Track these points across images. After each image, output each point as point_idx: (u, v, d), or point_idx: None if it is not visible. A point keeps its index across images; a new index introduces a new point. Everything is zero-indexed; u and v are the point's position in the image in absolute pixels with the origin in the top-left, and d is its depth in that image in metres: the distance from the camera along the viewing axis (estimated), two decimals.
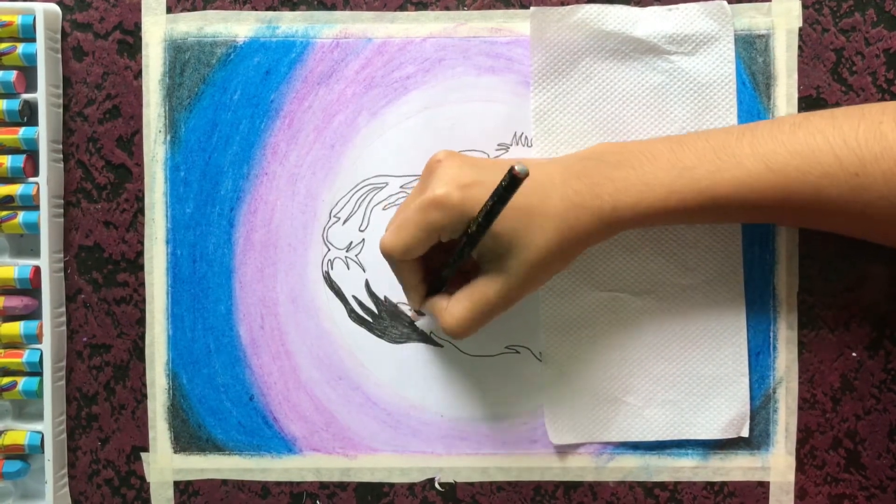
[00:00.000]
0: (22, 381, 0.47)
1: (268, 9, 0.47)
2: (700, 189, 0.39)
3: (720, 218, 0.42)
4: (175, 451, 0.48)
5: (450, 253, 0.41)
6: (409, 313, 0.47)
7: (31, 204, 0.46)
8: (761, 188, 0.39)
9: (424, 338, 0.47)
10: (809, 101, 0.46)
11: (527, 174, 0.33)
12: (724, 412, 0.46)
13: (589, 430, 0.47)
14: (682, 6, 0.46)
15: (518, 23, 0.47)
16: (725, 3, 0.46)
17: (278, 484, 0.48)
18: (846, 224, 0.41)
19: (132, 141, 0.48)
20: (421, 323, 0.47)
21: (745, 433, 0.46)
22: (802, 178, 0.38)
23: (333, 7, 0.47)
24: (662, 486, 0.47)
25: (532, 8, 0.46)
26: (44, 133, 0.46)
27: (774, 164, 0.39)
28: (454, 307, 0.40)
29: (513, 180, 0.34)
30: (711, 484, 0.47)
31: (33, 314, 0.48)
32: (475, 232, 0.38)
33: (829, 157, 0.38)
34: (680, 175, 0.39)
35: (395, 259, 0.40)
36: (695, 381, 0.46)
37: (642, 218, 0.40)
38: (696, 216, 0.41)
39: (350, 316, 0.48)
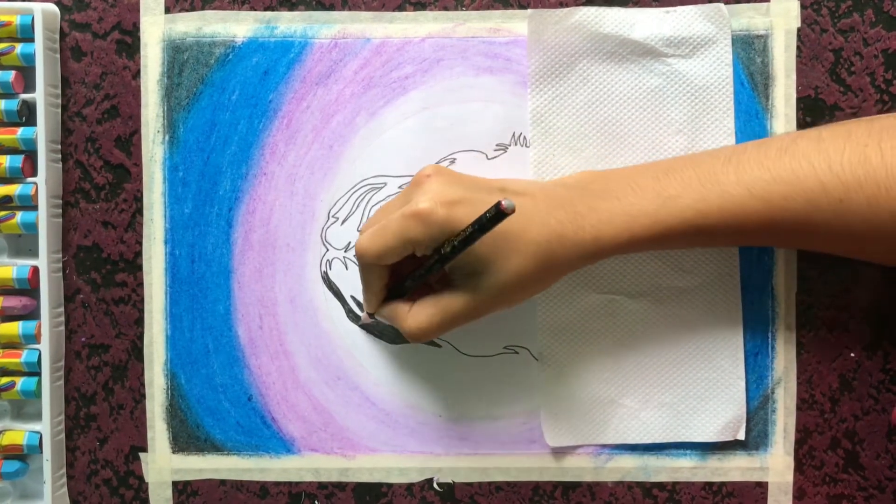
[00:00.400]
0: (20, 381, 0.47)
1: (266, 9, 0.47)
2: (685, 218, 0.39)
3: (705, 244, 0.42)
4: (173, 452, 0.48)
5: (418, 262, 0.40)
6: (361, 314, 0.47)
7: (29, 204, 0.46)
8: (746, 216, 0.39)
9: None
10: (808, 102, 0.46)
11: (513, 210, 0.33)
12: (721, 415, 0.46)
13: (585, 432, 0.47)
14: (679, 9, 0.46)
15: (516, 23, 0.47)
16: (723, 5, 0.46)
17: (277, 484, 0.48)
18: (831, 246, 0.41)
19: (130, 141, 0.48)
20: (365, 323, 0.47)
21: (741, 436, 0.46)
22: (787, 206, 0.39)
23: (332, 7, 0.47)
24: (661, 486, 0.47)
25: (529, 10, 0.46)
26: (42, 133, 0.46)
27: (759, 192, 0.39)
28: (418, 313, 0.40)
29: (498, 214, 0.34)
30: (710, 484, 0.47)
31: (32, 314, 0.48)
32: (448, 253, 0.37)
33: (814, 184, 0.38)
34: (664, 204, 0.39)
35: (367, 262, 0.40)
36: (691, 384, 0.46)
37: (625, 246, 0.40)
38: (681, 243, 0.41)
39: (348, 316, 0.48)
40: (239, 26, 0.47)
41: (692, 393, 0.46)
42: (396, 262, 0.40)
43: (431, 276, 0.40)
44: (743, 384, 0.46)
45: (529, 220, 0.39)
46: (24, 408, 0.48)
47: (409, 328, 0.40)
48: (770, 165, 0.39)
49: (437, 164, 0.47)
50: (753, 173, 0.39)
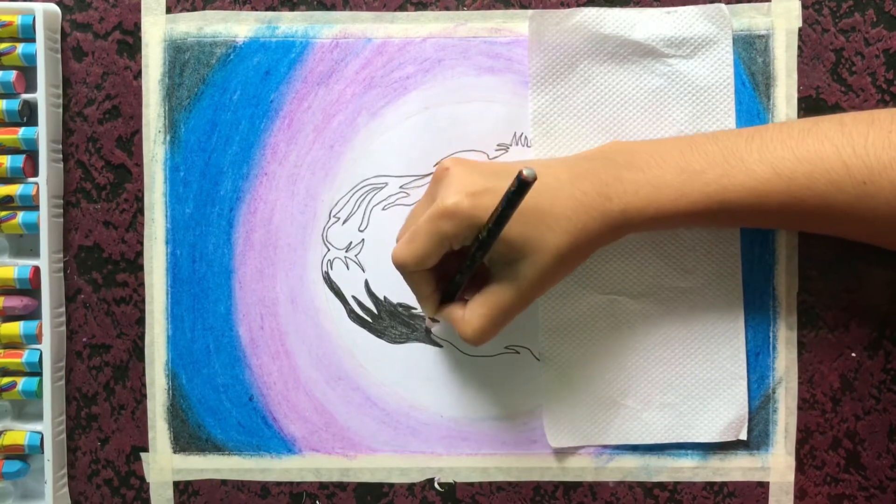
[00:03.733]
0: (21, 382, 0.47)
1: (267, 9, 0.47)
2: (708, 193, 0.39)
3: (727, 222, 0.42)
4: (175, 452, 0.48)
5: (462, 258, 0.40)
6: (426, 322, 0.47)
7: (30, 204, 0.46)
8: (769, 194, 0.39)
9: (424, 338, 0.47)
10: (809, 102, 0.46)
11: (535, 178, 0.33)
12: (723, 415, 0.46)
13: (587, 433, 0.47)
14: (680, 9, 0.46)
15: (518, 23, 0.47)
16: (724, 6, 0.46)
17: (278, 484, 0.48)
18: (852, 230, 0.41)
19: (132, 141, 0.48)
20: (437, 329, 0.47)
21: (742, 436, 0.46)
22: (810, 185, 0.38)
23: (333, 7, 0.47)
24: (662, 486, 0.47)
25: (531, 10, 0.46)
26: (43, 133, 0.46)
27: (783, 171, 0.39)
28: (471, 316, 0.40)
29: (521, 185, 0.34)
30: (711, 484, 0.47)
31: (33, 314, 0.48)
32: (486, 238, 0.38)
33: (838, 165, 0.38)
34: (689, 179, 0.40)
35: (408, 270, 0.40)
36: (693, 385, 0.46)
37: (651, 220, 0.40)
38: (704, 220, 0.41)
39: (349, 316, 0.48)
40: (240, 26, 0.47)
41: (694, 393, 0.46)
42: (438, 263, 0.40)
43: (479, 268, 0.40)
44: (745, 384, 0.46)
45: (555, 195, 0.39)
46: (26, 408, 0.48)
47: (466, 335, 0.40)
48: (793, 145, 0.39)
49: (437, 164, 0.47)
50: (777, 152, 0.39)
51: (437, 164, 0.44)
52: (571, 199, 0.39)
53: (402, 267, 0.40)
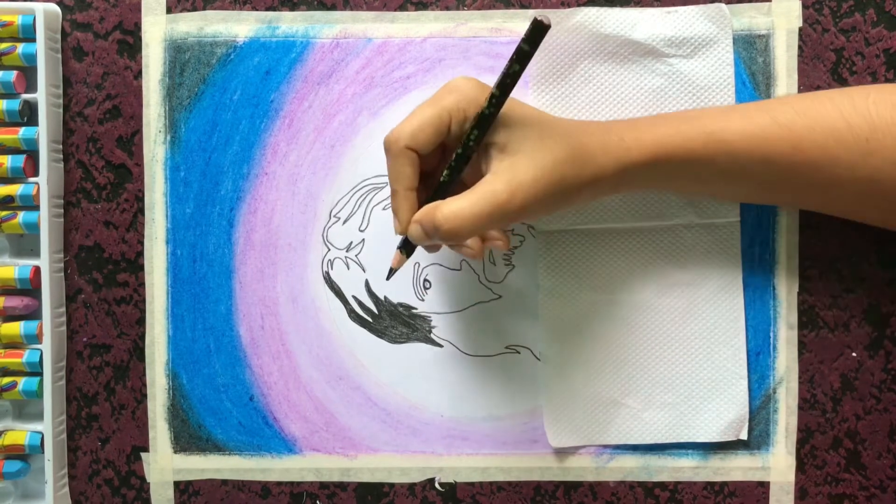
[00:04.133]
0: (22, 382, 0.47)
1: (268, 9, 0.47)
2: (708, 132, 0.39)
3: (731, 173, 0.40)
4: (175, 452, 0.48)
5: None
6: (392, 261, 0.41)
7: (31, 204, 0.46)
8: (768, 139, 0.39)
9: (424, 338, 0.47)
10: None
11: (549, 24, 0.32)
12: (723, 415, 0.46)
13: (588, 432, 0.47)
14: (681, 9, 0.46)
15: (518, 23, 0.47)
16: (724, 5, 0.46)
17: (278, 484, 0.48)
18: (855, 196, 0.40)
19: (132, 141, 0.48)
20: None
21: (743, 436, 0.46)
22: (810, 137, 0.38)
23: (333, 7, 0.47)
24: (662, 486, 0.47)
25: (530, 11, 0.46)
26: (44, 133, 0.46)
27: (783, 120, 0.39)
28: (453, 202, 0.36)
29: (536, 29, 0.33)
30: (711, 484, 0.47)
31: (33, 314, 0.48)
32: (492, 107, 0.36)
33: (839, 121, 0.38)
34: (687, 121, 0.40)
35: (400, 146, 0.37)
36: (694, 384, 0.47)
37: (649, 158, 0.39)
38: (707, 168, 0.40)
39: (350, 316, 0.48)
40: (240, 26, 0.47)
41: (694, 393, 0.46)
42: (428, 156, 0.38)
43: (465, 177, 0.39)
44: (745, 384, 0.46)
45: (559, 119, 0.40)
46: (26, 408, 0.48)
47: (442, 216, 0.36)
48: (793, 101, 0.40)
49: None
50: (776, 106, 0.40)
51: None
52: (575, 124, 0.40)
53: (394, 143, 0.38)
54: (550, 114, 0.41)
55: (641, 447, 0.47)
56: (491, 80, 0.47)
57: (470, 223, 0.36)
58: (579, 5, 0.46)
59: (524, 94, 0.47)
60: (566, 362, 0.47)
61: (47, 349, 0.47)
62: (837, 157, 0.38)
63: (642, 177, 0.40)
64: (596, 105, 0.46)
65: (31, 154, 0.47)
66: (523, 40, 0.35)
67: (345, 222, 0.47)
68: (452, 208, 0.36)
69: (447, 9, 0.47)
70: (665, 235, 0.46)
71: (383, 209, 0.47)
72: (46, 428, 0.47)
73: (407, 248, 0.41)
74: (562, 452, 0.47)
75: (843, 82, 0.46)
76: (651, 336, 0.47)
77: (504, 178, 0.37)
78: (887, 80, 0.46)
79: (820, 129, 0.38)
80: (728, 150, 0.39)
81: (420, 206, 0.39)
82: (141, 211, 0.48)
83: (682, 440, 0.47)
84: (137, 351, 0.48)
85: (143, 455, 0.48)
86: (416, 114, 0.38)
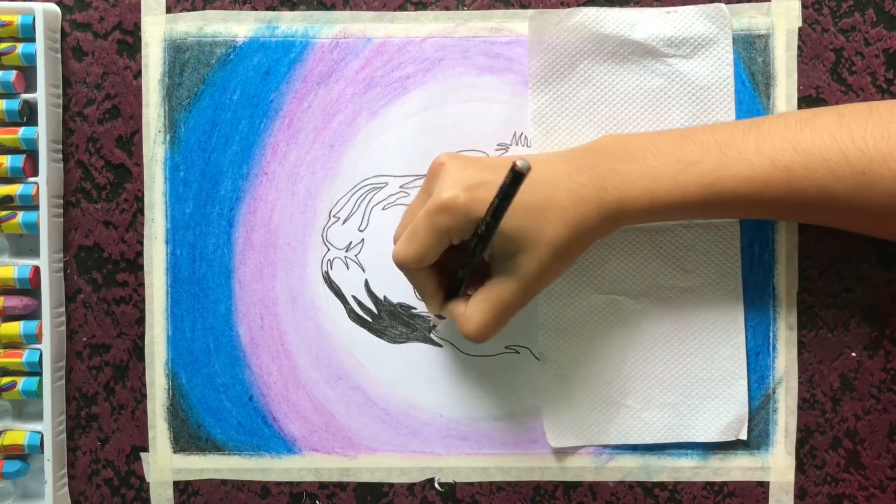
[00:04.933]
0: (21, 381, 0.47)
1: (267, 9, 0.47)
2: (705, 184, 0.39)
3: (724, 213, 0.42)
4: (175, 451, 0.48)
5: (463, 253, 0.40)
6: (432, 319, 0.47)
7: (30, 204, 0.46)
8: (766, 184, 0.39)
9: (424, 338, 0.47)
10: (809, 102, 0.46)
11: (528, 169, 0.33)
12: (723, 415, 0.46)
13: (587, 433, 0.47)
14: (680, 9, 0.46)
15: (518, 23, 0.47)
16: (724, 5, 0.46)
17: (278, 484, 0.48)
18: (852, 221, 0.41)
19: (132, 141, 0.48)
20: (439, 329, 0.47)
21: (742, 436, 0.46)
22: (808, 176, 0.38)
23: (333, 7, 0.47)
24: (662, 486, 0.47)
25: (531, 10, 0.46)
26: (43, 133, 0.46)
27: (780, 162, 0.39)
28: (472, 312, 0.40)
29: (515, 176, 0.34)
30: (711, 484, 0.47)
31: (33, 314, 0.48)
32: (485, 232, 0.38)
33: (836, 156, 0.38)
34: (684, 169, 0.39)
35: (410, 268, 0.40)
36: (693, 384, 0.47)
37: (646, 211, 0.40)
38: (700, 211, 0.41)
39: (349, 316, 0.48)
40: (240, 26, 0.47)
41: (694, 393, 0.46)
42: (440, 259, 0.40)
43: (480, 263, 0.40)
44: (745, 383, 0.46)
45: (553, 188, 0.39)
46: (26, 408, 0.48)
47: (467, 331, 0.40)
48: (790, 136, 0.39)
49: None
50: (774, 143, 0.39)
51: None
52: (568, 192, 0.39)
53: (403, 265, 0.40)
54: (545, 166, 0.40)
55: (641, 447, 0.47)
56: (490, 80, 0.47)
57: (492, 329, 0.40)
58: (579, 5, 0.46)
59: (524, 95, 0.47)
60: (566, 362, 0.47)
61: (47, 349, 0.47)
62: (835, 191, 0.38)
63: (641, 223, 0.42)
64: (595, 105, 0.46)
65: (31, 154, 0.47)
66: (506, 185, 0.35)
67: (344, 222, 0.47)
68: (476, 324, 0.40)
69: (447, 9, 0.47)
70: (665, 235, 0.46)
71: (383, 209, 0.47)
72: (46, 428, 0.47)
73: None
74: (561, 452, 0.47)
75: (842, 82, 0.46)
76: (650, 336, 0.47)
77: (508, 284, 0.39)
78: (887, 80, 0.46)
79: (818, 167, 0.38)
80: (725, 199, 0.40)
81: (445, 278, 0.42)
82: (140, 211, 0.48)
83: (681, 440, 0.47)
84: (137, 351, 0.48)
85: (142, 455, 0.48)
86: (415, 236, 0.39)
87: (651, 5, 0.46)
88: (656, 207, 0.40)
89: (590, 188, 0.39)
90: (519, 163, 0.33)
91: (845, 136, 0.38)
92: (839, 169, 0.38)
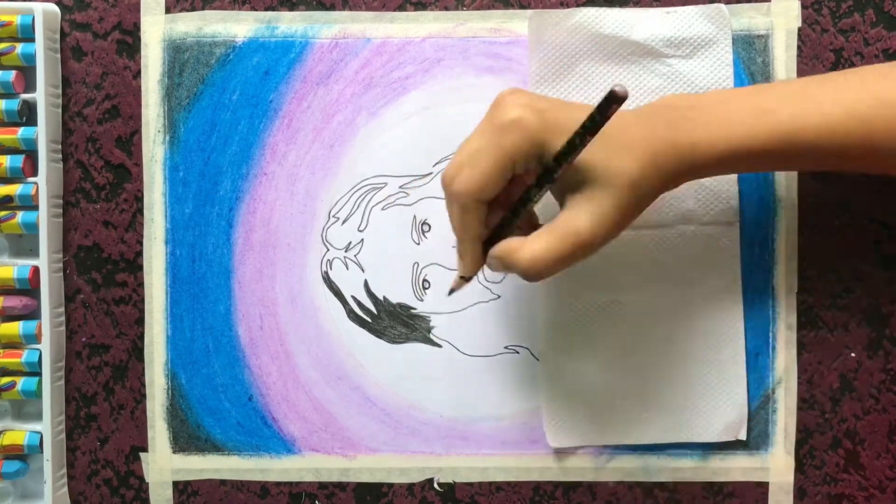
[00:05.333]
0: (21, 381, 0.47)
1: (267, 9, 0.47)
2: (781, 132, 0.38)
3: (796, 164, 0.40)
4: (174, 452, 0.48)
5: (508, 203, 0.38)
6: (453, 282, 0.41)
7: (30, 204, 0.46)
8: (845, 135, 0.38)
9: (423, 338, 0.47)
10: None
11: (626, 95, 0.31)
12: (722, 415, 0.46)
13: (587, 433, 0.47)
14: (680, 9, 0.46)
15: (517, 23, 0.47)
16: (723, 6, 0.46)
17: (277, 484, 0.48)
18: None
19: (131, 141, 0.48)
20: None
21: (742, 436, 0.46)
22: (884, 124, 0.37)
23: (332, 7, 0.47)
24: (662, 486, 0.47)
25: (530, 11, 0.46)
26: (43, 133, 0.46)
27: (859, 113, 0.37)
28: (535, 243, 0.36)
29: (612, 99, 0.32)
30: (711, 484, 0.47)
31: (32, 314, 0.48)
32: (564, 152, 0.35)
33: None
34: (760, 117, 0.38)
35: (468, 202, 0.36)
36: (693, 385, 0.46)
37: (720, 158, 0.38)
38: (774, 161, 0.39)
39: (349, 316, 0.48)
40: (239, 26, 0.47)
41: (694, 393, 0.46)
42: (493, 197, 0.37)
43: (525, 221, 0.38)
44: (744, 384, 0.46)
45: (625, 125, 0.37)
46: (25, 408, 0.48)
47: (524, 261, 0.36)
48: (870, 88, 0.38)
49: (436, 164, 0.47)
50: (851, 94, 0.38)
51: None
52: (641, 129, 0.37)
53: (460, 196, 0.36)
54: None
55: (641, 447, 0.47)
56: (490, 80, 0.47)
57: (553, 267, 0.36)
58: (578, 5, 0.46)
59: None
60: (565, 362, 0.47)
61: (46, 349, 0.47)
62: None
63: (711, 173, 0.40)
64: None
65: (30, 154, 0.47)
66: (599, 107, 0.33)
67: (344, 222, 0.47)
68: (535, 252, 0.36)
69: (446, 9, 0.47)
70: (665, 236, 0.46)
71: (382, 209, 0.47)
72: (45, 428, 0.47)
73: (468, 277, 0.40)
74: (561, 452, 0.47)
75: None
76: (650, 337, 0.47)
77: (583, 215, 0.36)
78: None
79: (892, 114, 0.37)
80: (801, 148, 0.38)
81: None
82: (140, 211, 0.48)
83: (681, 440, 0.47)
84: (136, 351, 0.48)
85: (141, 455, 0.48)
86: (479, 160, 0.36)
87: (651, 5, 0.46)
88: (730, 154, 0.38)
89: (662, 130, 0.37)
90: (617, 88, 0.31)
91: None
92: None
